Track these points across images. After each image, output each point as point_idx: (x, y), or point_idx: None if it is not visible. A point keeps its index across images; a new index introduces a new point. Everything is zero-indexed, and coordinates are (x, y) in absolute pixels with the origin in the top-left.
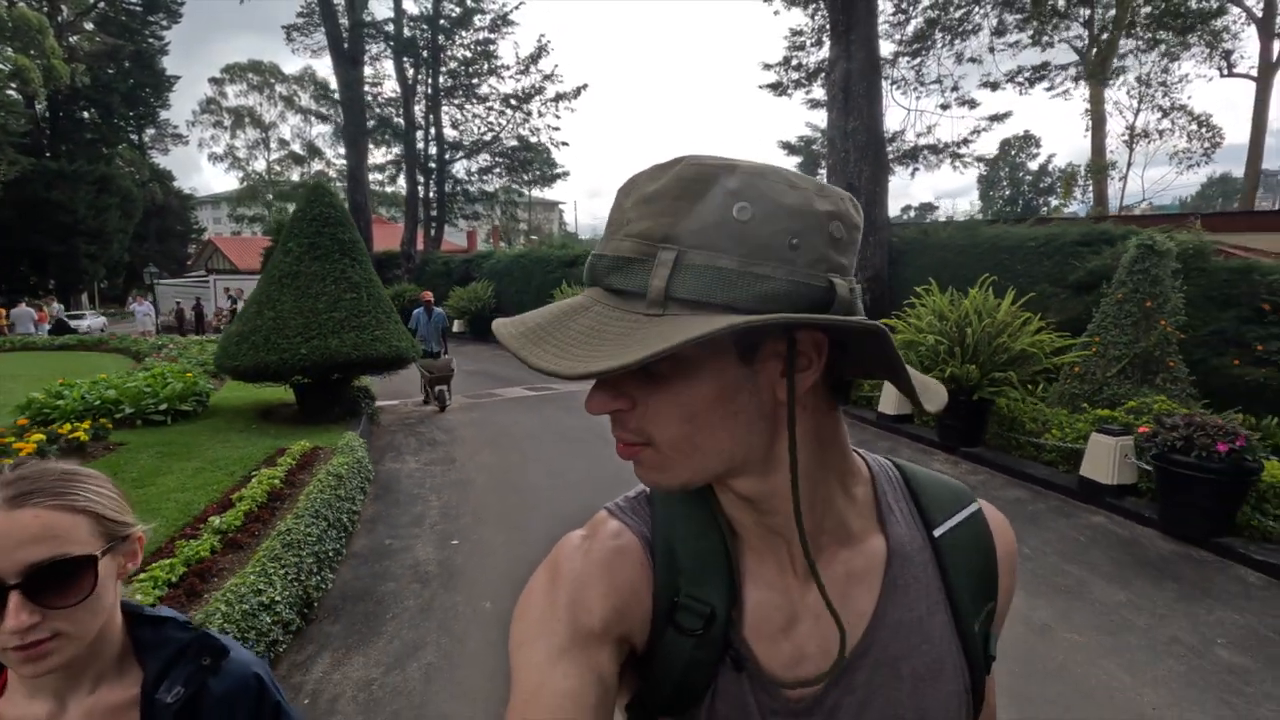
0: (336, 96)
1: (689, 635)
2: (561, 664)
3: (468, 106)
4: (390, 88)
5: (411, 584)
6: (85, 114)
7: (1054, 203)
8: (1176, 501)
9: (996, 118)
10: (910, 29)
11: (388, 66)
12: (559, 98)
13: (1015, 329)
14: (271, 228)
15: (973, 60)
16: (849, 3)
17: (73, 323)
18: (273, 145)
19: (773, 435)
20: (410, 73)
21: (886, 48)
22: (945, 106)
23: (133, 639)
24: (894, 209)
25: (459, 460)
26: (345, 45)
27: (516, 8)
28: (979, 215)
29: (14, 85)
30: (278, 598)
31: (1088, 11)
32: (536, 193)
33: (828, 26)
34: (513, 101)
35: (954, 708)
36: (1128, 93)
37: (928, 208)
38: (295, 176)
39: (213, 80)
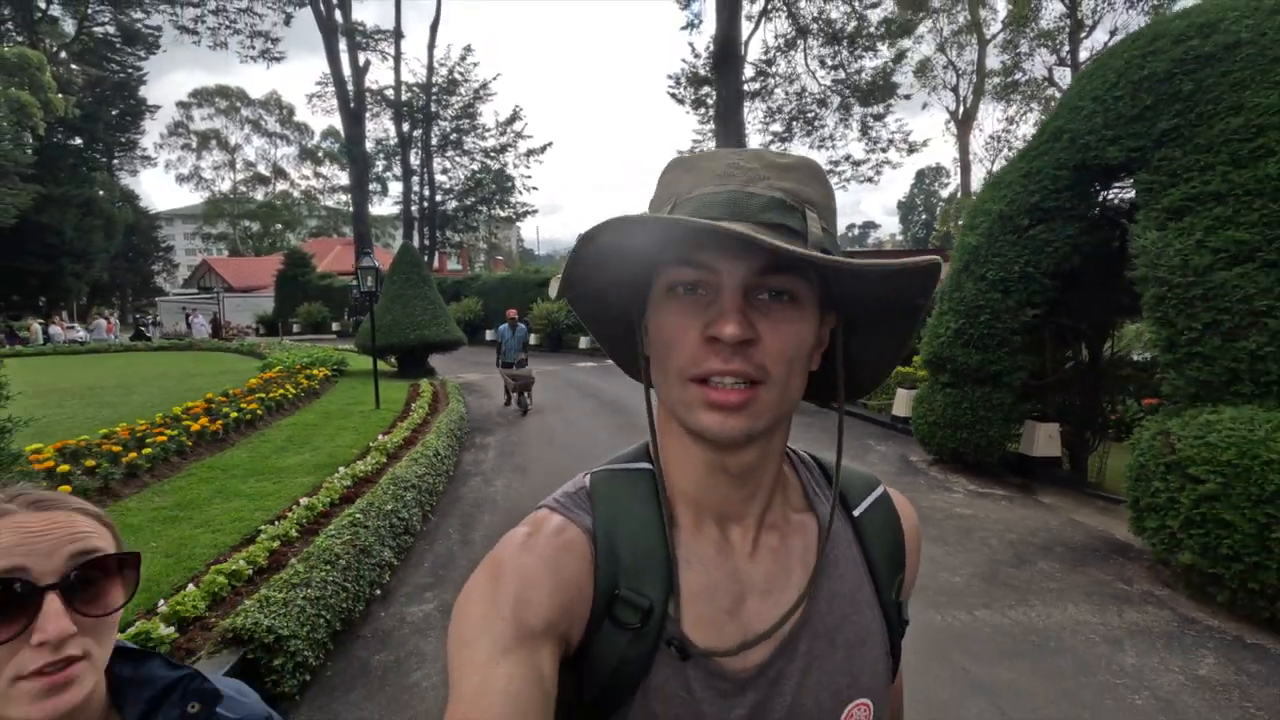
0: (298, 119)
1: (625, 629)
2: (505, 663)
3: (456, 159)
4: (392, 141)
5: (501, 422)
6: (69, 140)
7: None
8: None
9: None
10: (777, 125)
11: (390, 125)
12: (529, 153)
13: None
14: (287, 245)
15: (821, 146)
16: (725, 117)
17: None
18: (238, 166)
19: (799, 399)
20: (406, 129)
21: (762, 138)
22: None
23: (110, 676)
24: (841, 225)
25: (495, 397)
26: (351, 105)
27: (494, 79)
28: (900, 236)
29: (15, 119)
30: (465, 413)
31: (955, 77)
32: (497, 210)
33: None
34: (492, 154)
35: (879, 670)
36: (983, 145)
37: (870, 225)
38: (259, 196)
39: (180, 104)
